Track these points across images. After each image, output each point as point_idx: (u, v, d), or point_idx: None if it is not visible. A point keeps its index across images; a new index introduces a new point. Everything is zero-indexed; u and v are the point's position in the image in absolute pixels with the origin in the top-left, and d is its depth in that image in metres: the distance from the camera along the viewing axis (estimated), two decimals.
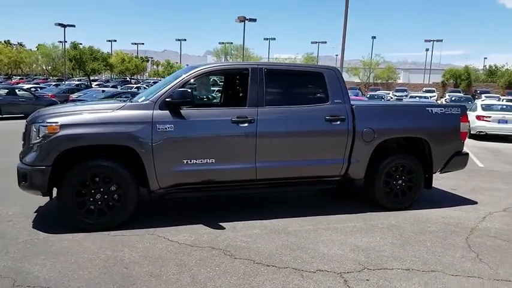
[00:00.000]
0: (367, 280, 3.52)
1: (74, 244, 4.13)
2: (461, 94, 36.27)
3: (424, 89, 47.32)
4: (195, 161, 4.73)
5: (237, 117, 4.83)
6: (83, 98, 17.83)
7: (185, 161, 4.70)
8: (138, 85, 37.25)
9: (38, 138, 4.36)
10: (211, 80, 6.29)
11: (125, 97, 13.90)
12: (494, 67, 66.24)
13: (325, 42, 59.19)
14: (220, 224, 4.82)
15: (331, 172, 5.34)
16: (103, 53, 54.48)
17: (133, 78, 61.44)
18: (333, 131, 5.20)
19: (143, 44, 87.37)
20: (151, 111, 4.62)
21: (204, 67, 5.03)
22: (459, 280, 3.58)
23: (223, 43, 72.41)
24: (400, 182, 5.58)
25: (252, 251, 4.09)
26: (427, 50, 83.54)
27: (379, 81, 57.63)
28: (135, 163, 4.60)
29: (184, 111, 4.69)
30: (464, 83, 55.57)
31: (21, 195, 5.38)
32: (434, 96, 38.10)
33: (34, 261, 3.72)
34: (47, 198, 4.69)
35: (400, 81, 61.51)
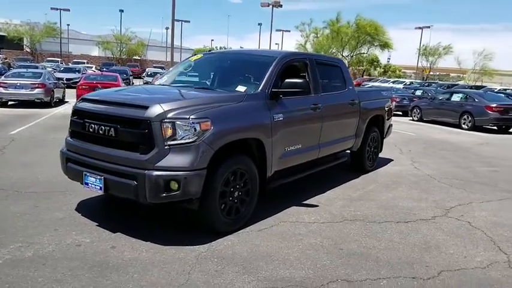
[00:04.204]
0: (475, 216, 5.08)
1: (252, 249, 3.87)
2: None
3: (154, 65, 49.90)
4: (291, 147, 4.98)
5: (313, 104, 5.31)
6: None
7: (286, 148, 4.89)
8: None
9: (182, 137, 3.70)
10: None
11: None
12: (224, 48, 77.10)
13: (69, 10, 53.54)
14: (305, 202, 5.28)
15: (347, 146, 6.49)
16: None
17: None
18: (353, 112, 6.35)
19: None
20: (266, 101, 4.56)
21: (287, 56, 5.16)
22: None
23: None
24: (372, 149, 7.28)
25: (378, 216, 4.92)
26: (167, 28, 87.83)
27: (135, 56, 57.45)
28: (253, 155, 4.49)
29: (282, 100, 4.81)
30: None
31: (46, 214, 4.46)
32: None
33: (263, 268, 3.47)
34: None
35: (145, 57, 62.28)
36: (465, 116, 15.08)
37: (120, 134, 3.83)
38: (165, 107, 3.76)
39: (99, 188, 3.95)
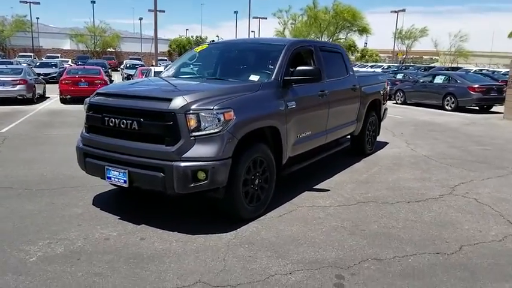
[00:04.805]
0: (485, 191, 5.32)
1: (278, 234, 3.99)
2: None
3: (130, 57, 48.82)
4: (303, 134, 5.08)
5: (320, 91, 5.41)
6: None
7: (298, 135, 4.98)
8: None
9: (206, 128, 3.74)
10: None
11: None
12: (200, 38, 76.30)
13: (39, 3, 51.49)
14: (316, 187, 5.41)
15: (350, 131, 6.64)
16: None
17: None
18: (355, 97, 6.49)
19: None
20: (279, 89, 4.63)
21: (295, 43, 5.23)
22: None
23: None
24: (371, 132, 7.46)
25: (389, 197, 5.10)
26: (140, 19, 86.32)
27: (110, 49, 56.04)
28: (268, 142, 4.57)
29: (293, 87, 4.88)
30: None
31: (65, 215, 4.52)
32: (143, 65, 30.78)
33: (293, 251, 3.59)
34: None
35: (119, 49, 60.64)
36: (448, 98, 15.50)
37: (143, 127, 3.83)
38: (188, 98, 3.78)
39: (123, 181, 3.96)
